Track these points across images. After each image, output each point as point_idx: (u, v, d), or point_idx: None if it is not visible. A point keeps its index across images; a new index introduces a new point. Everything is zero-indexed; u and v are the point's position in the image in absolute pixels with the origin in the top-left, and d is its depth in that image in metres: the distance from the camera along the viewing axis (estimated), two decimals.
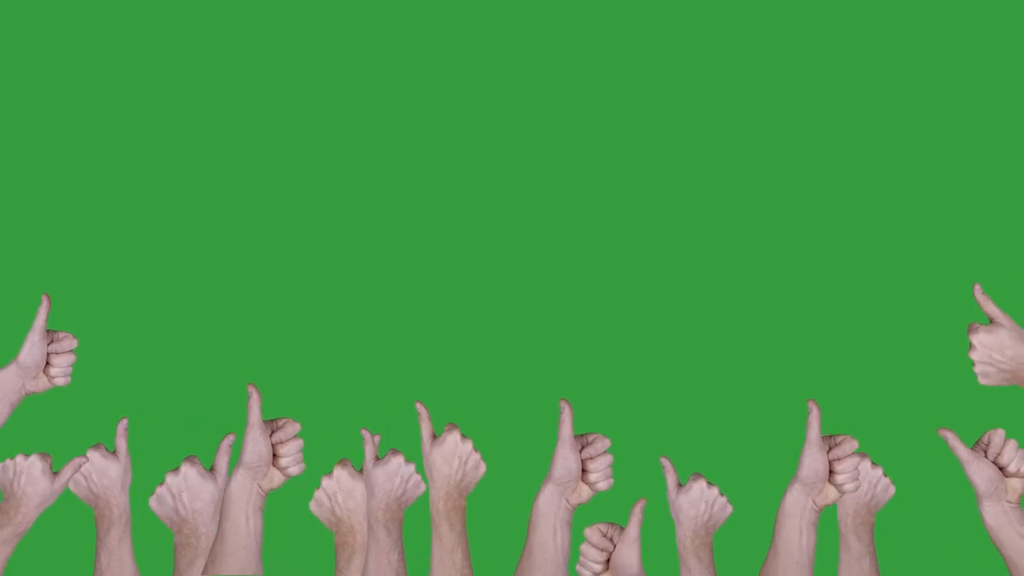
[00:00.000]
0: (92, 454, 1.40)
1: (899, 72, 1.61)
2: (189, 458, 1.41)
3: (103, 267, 1.57)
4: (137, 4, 1.61)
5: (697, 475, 1.42)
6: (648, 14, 1.62)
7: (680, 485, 1.42)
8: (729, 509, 1.42)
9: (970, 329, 1.41)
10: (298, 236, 1.59)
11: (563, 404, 1.38)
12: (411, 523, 1.45)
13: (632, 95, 1.62)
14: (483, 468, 1.41)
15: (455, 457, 1.40)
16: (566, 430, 1.38)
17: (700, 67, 1.62)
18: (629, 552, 1.38)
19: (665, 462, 1.42)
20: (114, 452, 1.40)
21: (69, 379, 1.39)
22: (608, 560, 1.40)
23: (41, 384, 1.38)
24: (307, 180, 1.61)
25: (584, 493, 1.39)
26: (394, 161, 1.61)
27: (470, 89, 1.61)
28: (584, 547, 1.40)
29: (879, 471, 1.45)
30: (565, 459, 1.37)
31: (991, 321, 1.41)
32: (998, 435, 1.40)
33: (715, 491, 1.41)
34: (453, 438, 1.41)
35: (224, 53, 1.61)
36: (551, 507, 1.38)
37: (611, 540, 1.41)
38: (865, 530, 1.44)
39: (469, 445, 1.41)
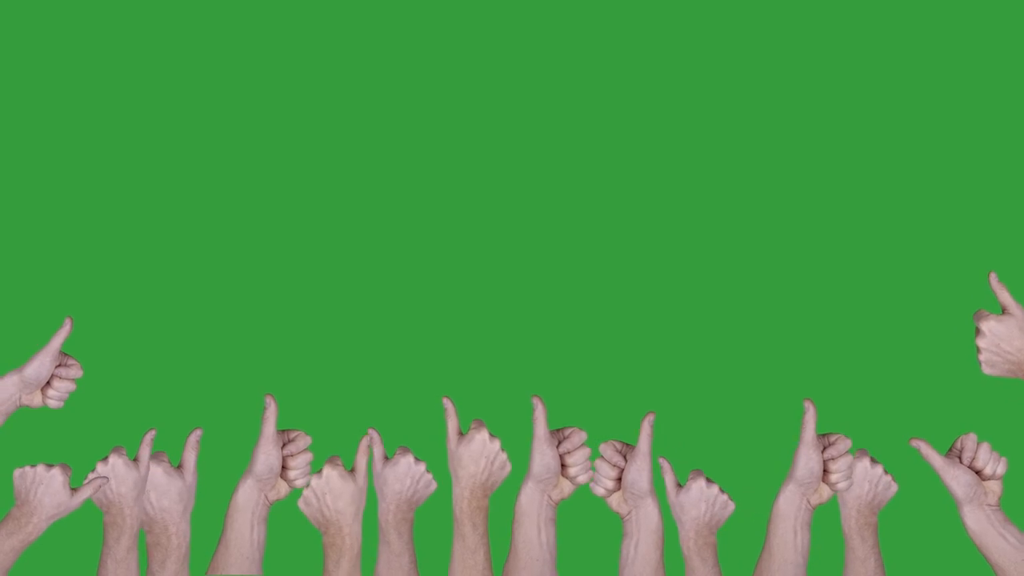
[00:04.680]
0: (114, 460, 1.36)
1: (896, 69, 1.60)
2: (155, 456, 1.39)
3: (114, 275, 1.57)
4: (137, 4, 1.61)
5: (696, 473, 1.39)
6: (647, 14, 1.62)
7: (679, 485, 1.39)
8: (731, 507, 1.39)
9: (979, 316, 1.38)
10: (305, 244, 1.58)
11: (535, 401, 1.38)
12: (431, 524, 1.44)
13: (632, 94, 1.61)
14: (508, 468, 1.39)
15: (482, 456, 1.38)
16: (540, 427, 1.38)
17: (693, 64, 1.61)
18: (639, 468, 1.37)
19: (663, 463, 1.39)
20: (135, 460, 1.37)
21: (62, 405, 1.37)
22: (620, 477, 1.39)
23: (35, 400, 1.37)
24: (308, 185, 1.59)
25: (566, 488, 1.39)
26: (393, 167, 1.60)
27: (467, 93, 1.61)
28: (597, 462, 1.38)
29: (879, 469, 1.40)
30: (543, 455, 1.37)
31: (1003, 310, 1.38)
32: (971, 439, 1.39)
33: (715, 489, 1.38)
34: (481, 436, 1.39)
35: (224, 68, 1.62)
36: (533, 505, 1.38)
37: (624, 457, 1.39)
38: (869, 531, 1.40)
39: (497, 444, 1.39)
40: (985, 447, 1.39)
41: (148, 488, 1.38)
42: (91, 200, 1.58)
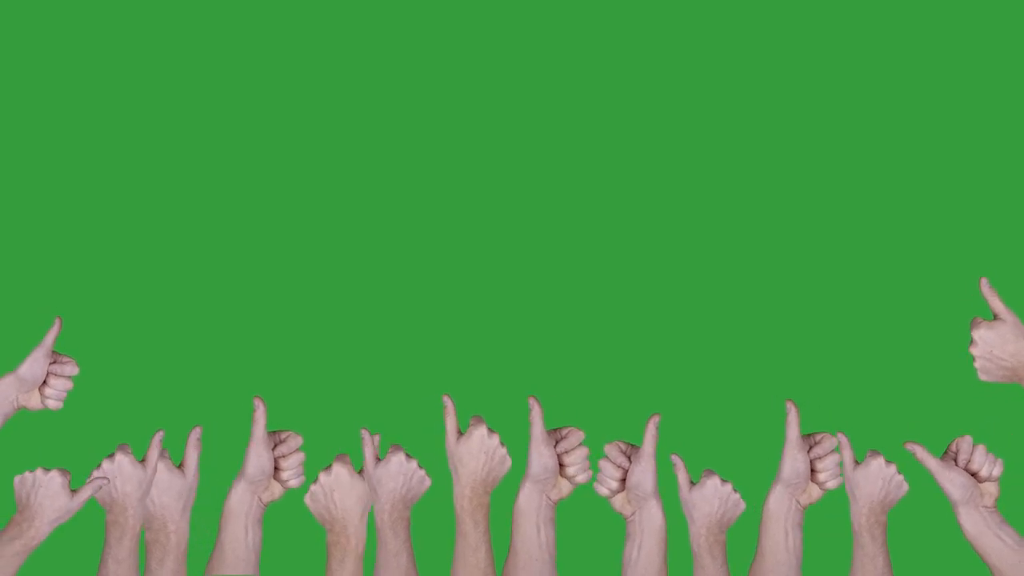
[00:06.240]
0: (120, 458, 1.36)
1: (893, 70, 1.60)
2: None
3: (112, 277, 1.56)
4: (137, 5, 1.60)
5: (710, 472, 1.40)
6: (648, 14, 1.62)
7: (692, 483, 1.40)
8: (742, 506, 1.40)
9: (973, 324, 1.39)
10: (297, 244, 1.57)
11: (532, 402, 1.39)
12: (433, 521, 1.43)
13: (629, 98, 1.60)
14: (508, 463, 1.39)
15: (481, 452, 1.38)
16: (537, 427, 1.38)
17: (686, 67, 1.61)
18: (644, 469, 1.37)
19: (676, 460, 1.39)
20: (143, 461, 1.37)
21: (61, 404, 1.38)
22: (625, 479, 1.39)
23: (34, 401, 1.37)
24: (305, 185, 1.59)
25: (564, 488, 1.40)
26: (390, 164, 1.59)
27: (464, 97, 1.60)
28: (602, 463, 1.39)
29: (893, 468, 1.40)
30: (540, 456, 1.38)
31: (995, 317, 1.39)
32: (966, 442, 1.39)
33: (728, 487, 1.39)
34: (480, 433, 1.39)
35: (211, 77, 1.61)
36: (532, 505, 1.38)
37: (629, 458, 1.39)
38: (879, 529, 1.40)
39: (496, 439, 1.39)
40: (980, 449, 1.40)
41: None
42: (86, 200, 1.58)
